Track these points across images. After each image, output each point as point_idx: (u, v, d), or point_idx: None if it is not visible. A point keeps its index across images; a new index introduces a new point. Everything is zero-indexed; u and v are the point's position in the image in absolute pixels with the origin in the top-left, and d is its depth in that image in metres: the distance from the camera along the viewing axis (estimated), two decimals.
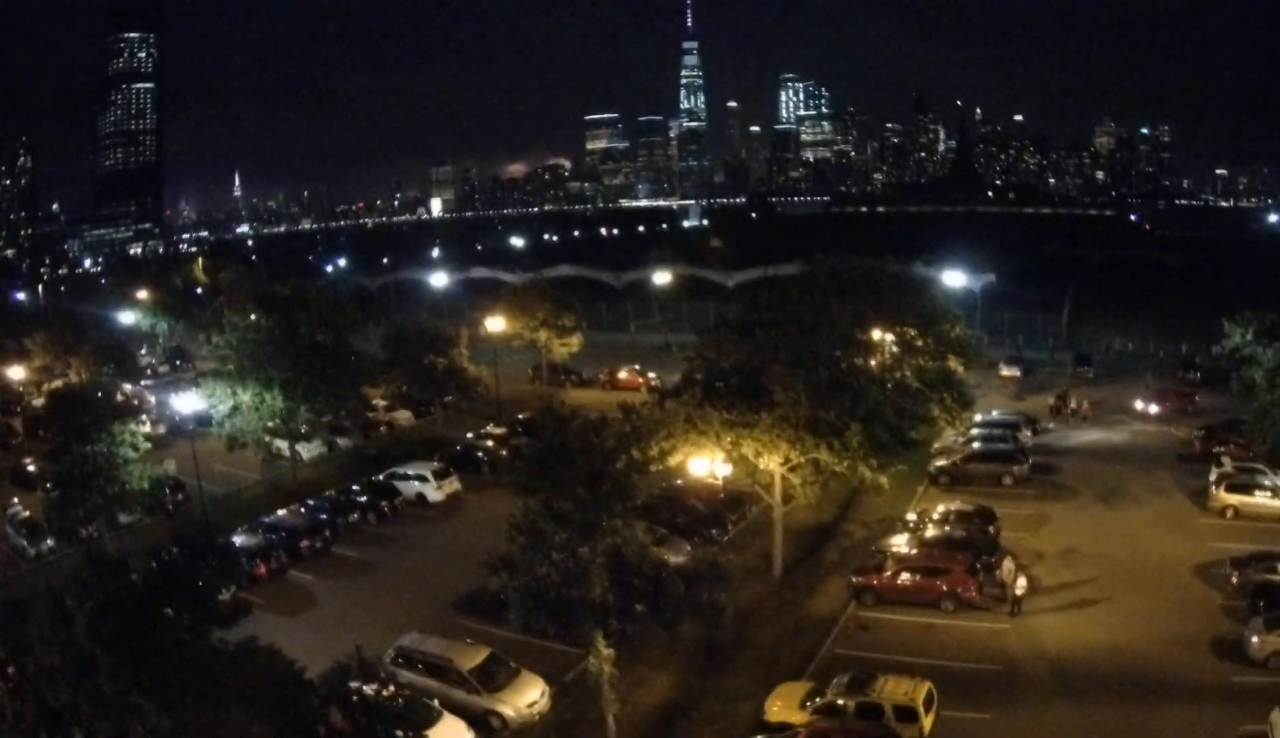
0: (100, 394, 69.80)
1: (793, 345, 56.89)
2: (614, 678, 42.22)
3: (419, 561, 65.23)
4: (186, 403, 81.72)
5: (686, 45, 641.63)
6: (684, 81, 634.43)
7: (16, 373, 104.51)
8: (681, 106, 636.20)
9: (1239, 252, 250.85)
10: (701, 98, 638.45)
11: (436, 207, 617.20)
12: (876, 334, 68.25)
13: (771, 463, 56.21)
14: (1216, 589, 56.30)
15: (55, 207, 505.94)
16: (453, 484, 78.72)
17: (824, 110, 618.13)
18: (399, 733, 38.77)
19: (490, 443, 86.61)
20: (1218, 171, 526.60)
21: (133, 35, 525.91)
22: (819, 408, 54.23)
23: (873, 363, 62.78)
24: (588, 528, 40.13)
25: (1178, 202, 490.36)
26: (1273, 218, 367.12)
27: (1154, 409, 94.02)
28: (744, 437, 54.80)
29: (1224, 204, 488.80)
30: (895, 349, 68.01)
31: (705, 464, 51.80)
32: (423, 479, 77.40)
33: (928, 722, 42.78)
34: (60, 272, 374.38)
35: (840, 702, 43.81)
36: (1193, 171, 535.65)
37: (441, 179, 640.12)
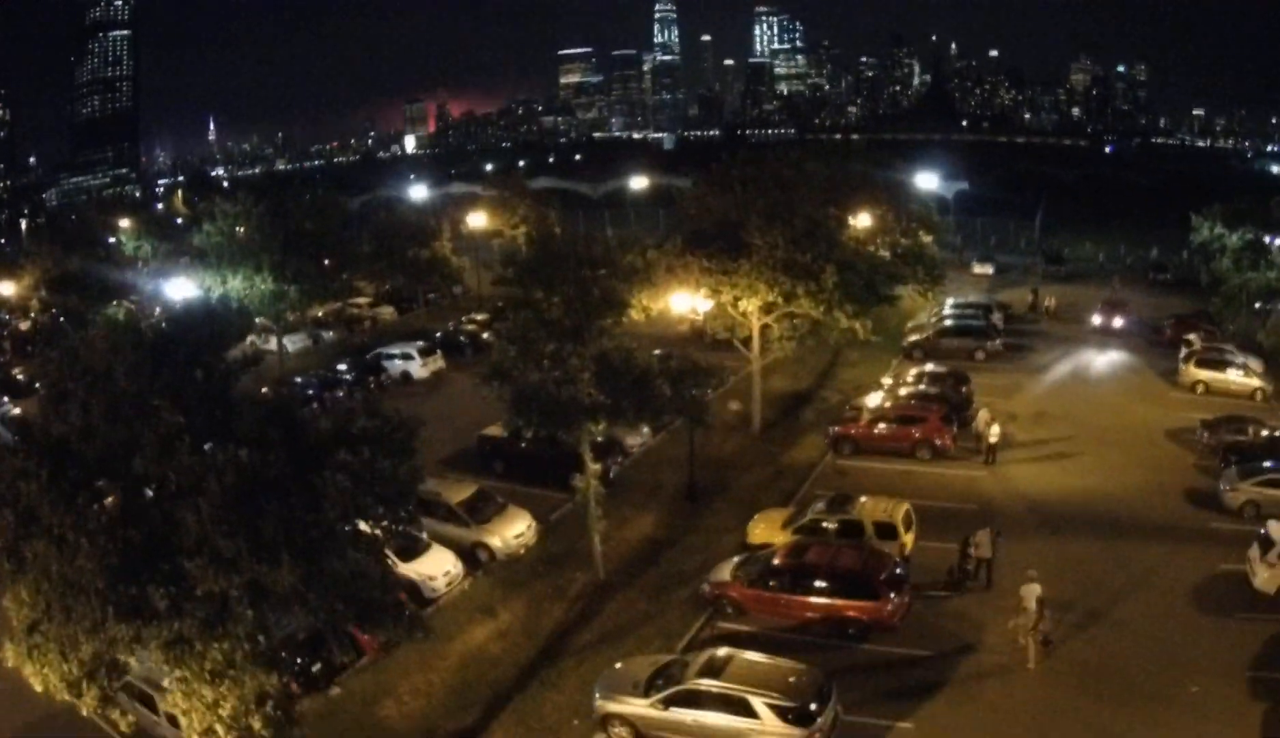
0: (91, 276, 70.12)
1: (771, 198, 57.75)
2: (600, 496, 43.65)
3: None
4: (178, 289, 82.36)
5: None
6: (657, 15, 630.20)
7: (5, 288, 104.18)
8: (655, 41, 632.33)
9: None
10: (675, 32, 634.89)
11: (411, 144, 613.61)
12: (850, 215, 69.02)
13: (750, 306, 57.27)
14: (1188, 450, 57.93)
15: (32, 160, 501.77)
16: (437, 362, 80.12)
17: (798, 44, 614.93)
18: None
19: (472, 328, 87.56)
20: (1195, 112, 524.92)
21: None
22: (795, 251, 55.29)
23: (847, 227, 63.61)
24: (576, 333, 41.22)
25: (1154, 140, 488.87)
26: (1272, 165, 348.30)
27: (1101, 321, 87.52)
28: (724, 284, 55.90)
29: (1201, 144, 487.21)
30: (869, 223, 69.05)
31: (686, 301, 52.46)
32: (407, 357, 78.67)
33: (908, 539, 44.18)
34: (39, 221, 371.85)
35: (821, 521, 45.14)
36: (1170, 111, 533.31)
37: (415, 116, 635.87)
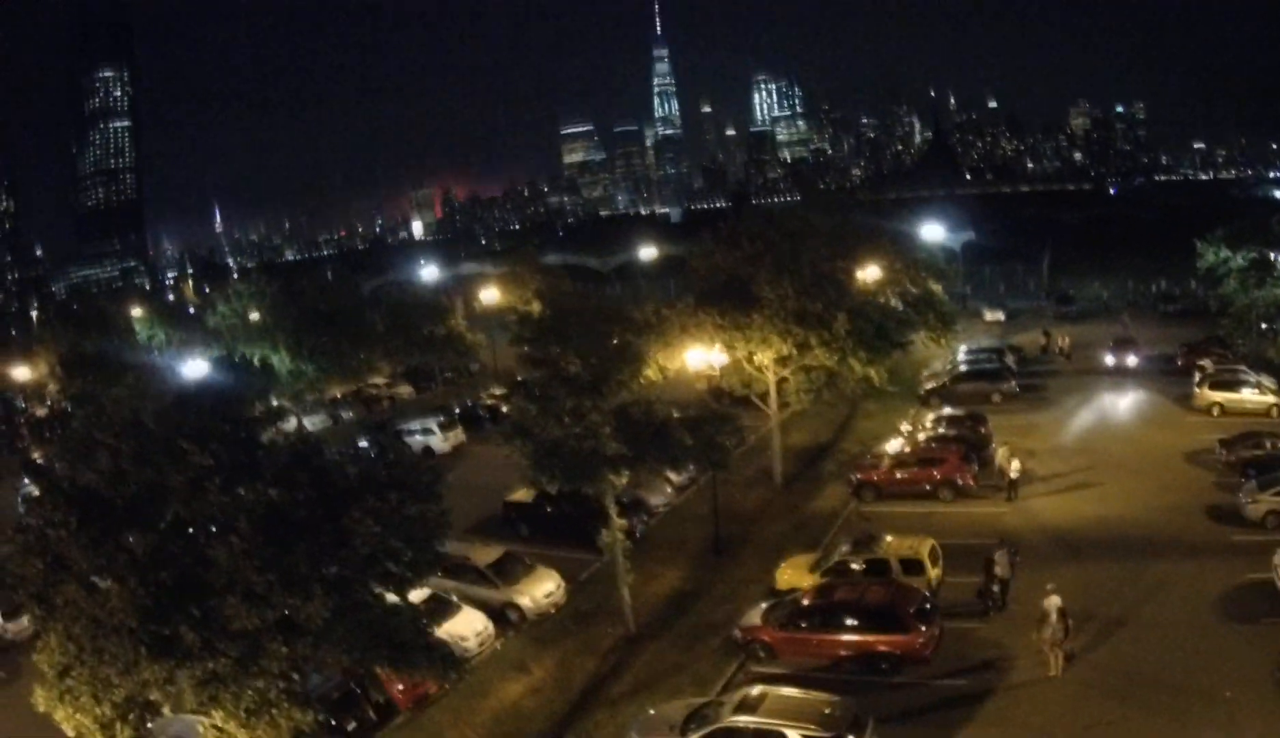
0: (107, 357, 70.99)
1: (778, 252, 58.47)
2: (627, 549, 44.11)
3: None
4: (193, 369, 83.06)
5: (657, 52, 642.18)
6: (657, 89, 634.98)
7: (21, 373, 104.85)
8: (656, 114, 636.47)
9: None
10: (675, 104, 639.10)
11: (418, 229, 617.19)
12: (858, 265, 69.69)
13: (765, 358, 57.88)
14: (1207, 470, 58.03)
15: (39, 252, 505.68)
16: (458, 435, 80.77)
17: (798, 109, 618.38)
18: None
19: (491, 401, 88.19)
20: (1195, 145, 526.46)
21: (107, 74, 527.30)
22: (806, 301, 56.00)
23: (856, 276, 64.22)
24: (595, 388, 41.72)
25: (1157, 178, 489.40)
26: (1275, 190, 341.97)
27: (1114, 361, 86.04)
28: (736, 339, 56.47)
29: (1203, 177, 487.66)
30: (877, 275, 69.72)
31: (701, 356, 52.95)
32: (428, 431, 79.22)
33: (934, 573, 44.53)
34: (50, 313, 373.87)
35: (847, 562, 45.55)
36: (1170, 147, 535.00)
37: (421, 202, 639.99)
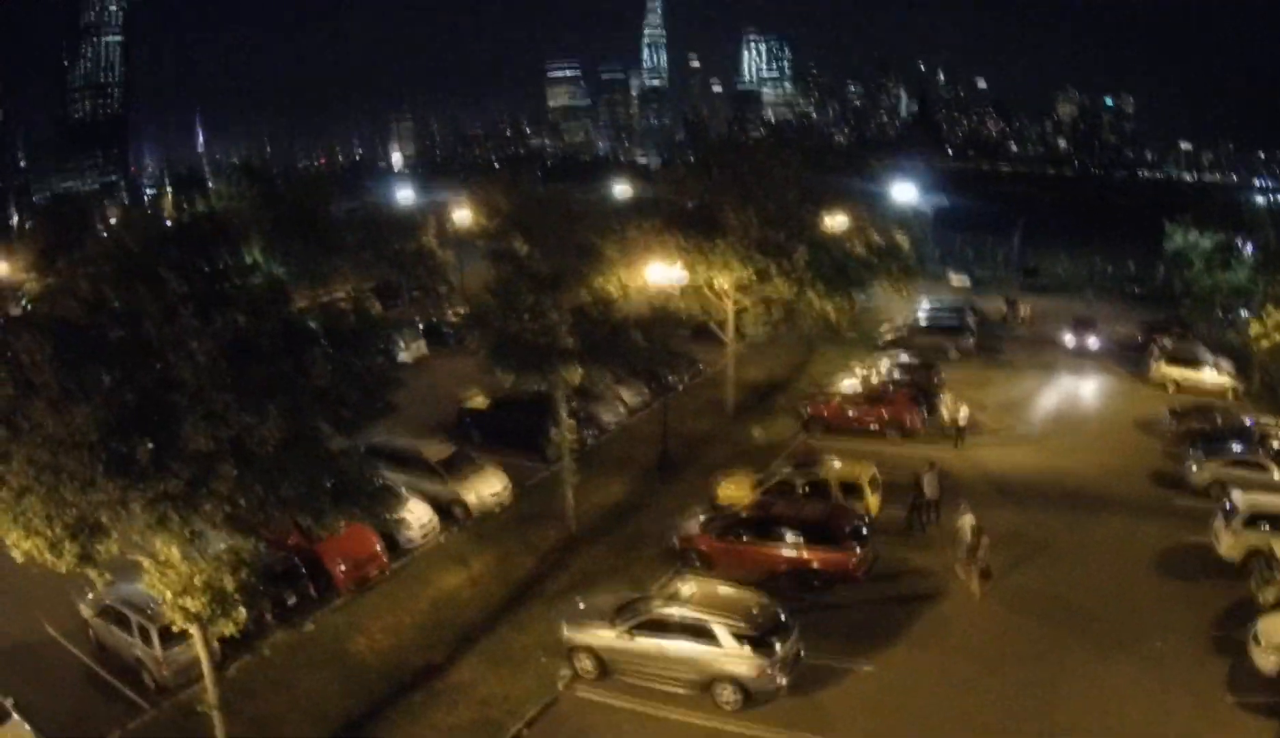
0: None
1: (746, 181, 59.06)
2: (574, 451, 44.94)
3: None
4: None
5: (650, 2, 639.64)
6: (646, 40, 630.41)
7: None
8: (644, 65, 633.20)
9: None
10: (664, 56, 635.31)
11: (397, 159, 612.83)
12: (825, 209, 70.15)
13: (725, 282, 58.44)
14: (1156, 438, 59.22)
15: (23, 163, 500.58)
16: (420, 347, 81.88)
17: (786, 71, 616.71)
18: None
19: (455, 318, 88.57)
20: (1182, 145, 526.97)
21: None
22: (769, 229, 56.73)
23: (821, 216, 64.83)
24: (555, 283, 42.36)
25: (1140, 173, 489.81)
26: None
27: (1075, 342, 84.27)
28: (699, 262, 57.06)
29: (1188, 178, 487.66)
30: (843, 222, 70.30)
31: (662, 272, 53.43)
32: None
33: (873, 500, 45.46)
34: (29, 224, 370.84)
35: (788, 481, 46.38)
36: (1156, 144, 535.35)
37: (403, 133, 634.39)
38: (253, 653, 35.33)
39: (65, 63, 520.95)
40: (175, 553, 24.85)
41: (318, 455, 25.90)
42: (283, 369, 24.96)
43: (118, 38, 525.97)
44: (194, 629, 27.05)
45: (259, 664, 35.22)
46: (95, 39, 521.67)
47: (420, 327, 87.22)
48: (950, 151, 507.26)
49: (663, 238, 56.48)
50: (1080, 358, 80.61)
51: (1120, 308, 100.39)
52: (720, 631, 32.85)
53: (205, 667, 28.85)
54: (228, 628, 26.04)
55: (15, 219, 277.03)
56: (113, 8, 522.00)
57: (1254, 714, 31.50)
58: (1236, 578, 39.91)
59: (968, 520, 40.43)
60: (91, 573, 25.36)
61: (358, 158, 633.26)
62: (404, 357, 77.88)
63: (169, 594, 25.60)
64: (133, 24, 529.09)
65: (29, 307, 38.54)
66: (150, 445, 23.49)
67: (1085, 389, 71.80)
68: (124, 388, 23.72)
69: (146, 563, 25.95)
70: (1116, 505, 48.85)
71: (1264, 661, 32.87)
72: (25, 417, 23.73)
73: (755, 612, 33.78)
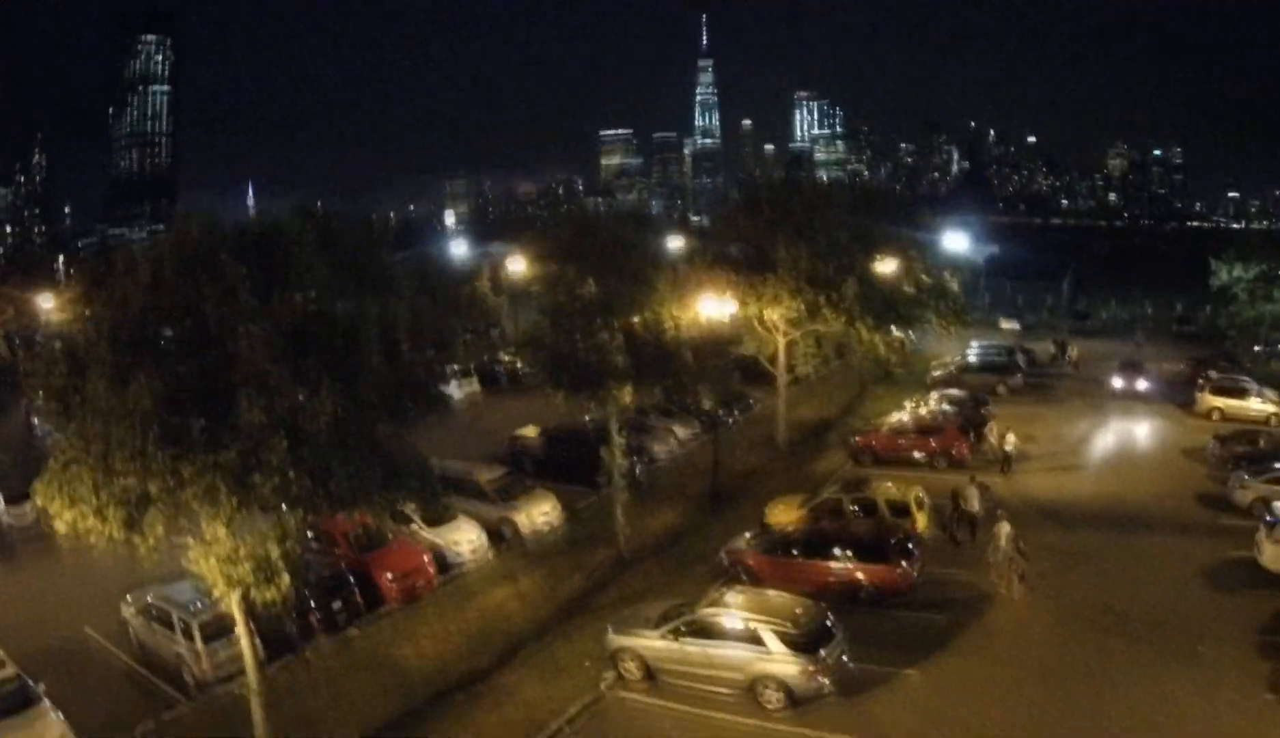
0: None
1: (796, 218, 59.93)
2: (624, 470, 45.69)
3: (443, 436, 68.05)
4: None
5: (702, 63, 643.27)
6: (699, 99, 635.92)
7: (45, 301, 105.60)
8: (696, 124, 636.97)
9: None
10: (716, 116, 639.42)
11: (450, 219, 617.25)
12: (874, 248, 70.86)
13: (775, 316, 59.08)
14: (1201, 464, 59.32)
15: (67, 210, 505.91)
16: (472, 386, 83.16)
17: (838, 129, 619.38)
18: None
19: (508, 360, 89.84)
20: (1230, 194, 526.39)
21: (149, 38, 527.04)
22: (818, 262, 57.50)
23: (870, 254, 65.62)
24: (608, 306, 43.38)
25: (1190, 224, 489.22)
26: None
27: (1122, 385, 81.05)
28: (749, 296, 57.84)
29: (1236, 226, 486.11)
30: (892, 266, 70.96)
31: (715, 305, 54.04)
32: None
33: (920, 518, 45.79)
34: (72, 271, 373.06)
35: (837, 500, 46.94)
36: (1205, 194, 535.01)
37: (456, 193, 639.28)
38: (296, 656, 36.54)
39: (111, 112, 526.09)
40: (221, 531, 25.42)
41: (368, 438, 26.58)
42: (337, 354, 25.71)
43: (164, 88, 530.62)
44: (235, 600, 27.46)
45: (301, 666, 36.35)
46: (141, 89, 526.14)
47: (473, 368, 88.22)
48: (1001, 206, 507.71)
49: (714, 272, 57.24)
50: (1128, 399, 79.78)
51: (1168, 348, 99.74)
52: (765, 633, 33.18)
53: (245, 645, 29.49)
54: (270, 594, 26.27)
55: (61, 263, 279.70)
56: (159, 58, 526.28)
57: None
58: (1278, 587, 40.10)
59: (1004, 528, 41.19)
60: (137, 541, 25.52)
61: (411, 214, 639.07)
62: (457, 395, 79.13)
63: (213, 560, 26.04)
64: (179, 76, 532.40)
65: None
66: (203, 420, 24.40)
67: (1132, 422, 71.51)
68: (180, 364, 24.57)
69: (192, 540, 26.59)
70: (1162, 525, 49.12)
71: None
72: (78, 391, 24.64)
73: (800, 615, 34.11)
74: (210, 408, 24.68)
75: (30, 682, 31.55)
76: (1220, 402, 70.89)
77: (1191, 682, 33.75)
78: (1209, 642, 36.40)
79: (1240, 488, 50.83)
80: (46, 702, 30.98)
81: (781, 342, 61.33)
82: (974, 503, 46.43)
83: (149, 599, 37.36)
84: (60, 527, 25.83)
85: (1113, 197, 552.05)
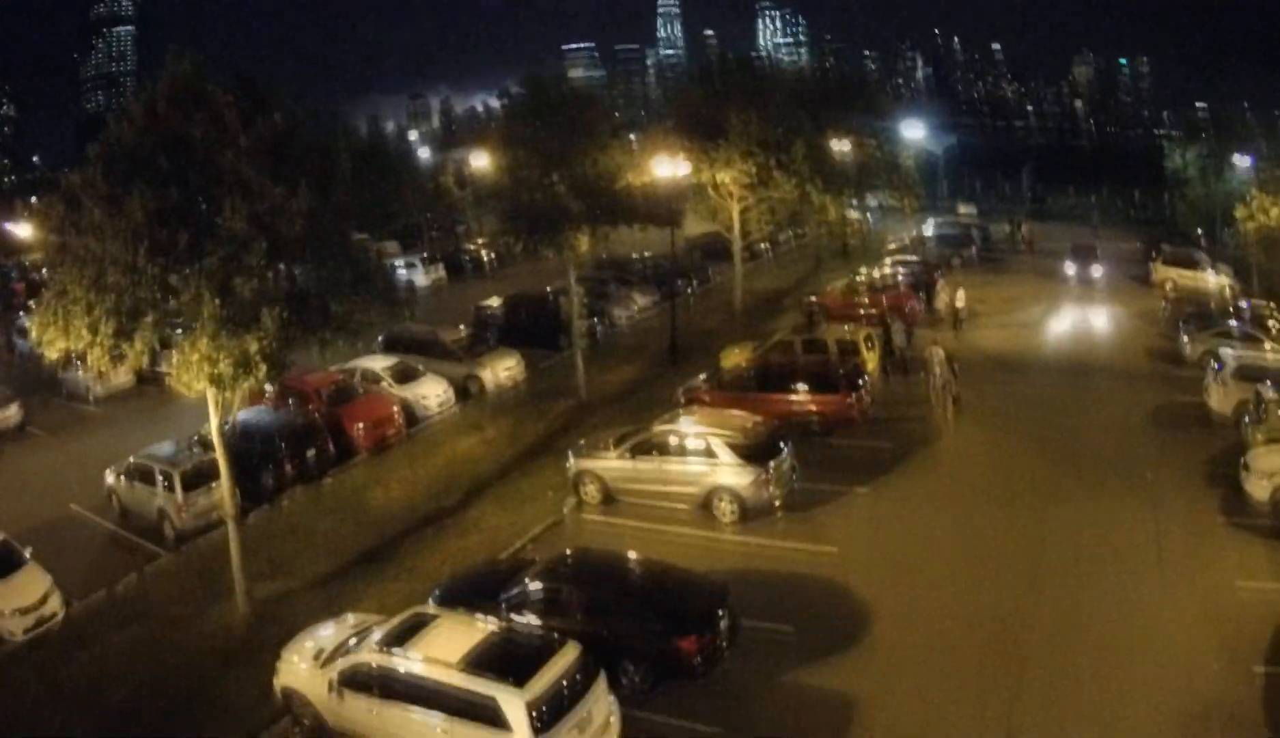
0: None
1: (746, 87, 61.30)
2: (585, 328, 47.37)
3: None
4: None
5: None
6: (660, 10, 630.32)
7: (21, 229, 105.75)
8: (659, 36, 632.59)
9: None
10: (678, 26, 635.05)
11: (414, 138, 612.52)
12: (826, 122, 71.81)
13: (727, 178, 60.37)
14: (1152, 325, 61.24)
15: (36, 158, 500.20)
16: (438, 273, 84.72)
17: (801, 39, 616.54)
18: None
19: (473, 249, 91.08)
20: (1198, 105, 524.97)
21: None
22: (768, 127, 58.97)
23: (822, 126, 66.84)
24: (563, 158, 44.88)
25: (1156, 131, 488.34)
26: None
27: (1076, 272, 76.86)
28: (703, 162, 59.17)
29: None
30: (845, 146, 72.10)
31: (668, 167, 55.12)
32: (411, 266, 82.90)
33: (869, 358, 47.61)
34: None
35: (788, 340, 48.66)
36: (1173, 105, 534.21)
37: (419, 111, 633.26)
38: (272, 505, 38.23)
39: (76, 56, 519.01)
40: (205, 342, 26.73)
41: (339, 243, 28.21)
42: (312, 162, 27.20)
43: (129, 28, 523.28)
44: (212, 394, 28.58)
45: (277, 514, 38.15)
46: (106, 30, 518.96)
47: (438, 256, 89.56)
48: (965, 109, 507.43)
49: (669, 139, 58.44)
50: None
51: (1123, 231, 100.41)
52: (717, 445, 34.82)
53: (221, 461, 30.72)
54: (250, 382, 27.73)
55: (34, 202, 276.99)
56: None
57: (1245, 533, 32.57)
58: (1226, 429, 41.23)
59: (937, 353, 44.16)
60: (125, 348, 26.69)
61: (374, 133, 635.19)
62: (423, 281, 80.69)
63: (195, 357, 27.06)
64: (145, 13, 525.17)
65: None
66: (190, 232, 25.79)
67: (1085, 290, 72.58)
68: (170, 184, 25.96)
69: (176, 354, 27.92)
70: (1112, 374, 50.82)
71: (1255, 487, 34.12)
72: (74, 225, 26.22)
73: (750, 429, 35.77)
74: (196, 222, 26.20)
75: (16, 544, 32.95)
76: (1174, 273, 71.95)
77: (1141, 503, 35.08)
78: (1159, 470, 37.78)
79: (1191, 342, 52.43)
80: (33, 562, 32.44)
81: (736, 208, 62.45)
82: (899, 337, 50.38)
83: (131, 461, 38.91)
84: (52, 353, 27.58)
85: (1079, 103, 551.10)
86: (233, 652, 28.29)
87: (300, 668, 25.01)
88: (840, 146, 68.53)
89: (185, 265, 25.71)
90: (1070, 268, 75.54)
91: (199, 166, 26.59)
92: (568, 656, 22.51)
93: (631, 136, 58.88)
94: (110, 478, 39.76)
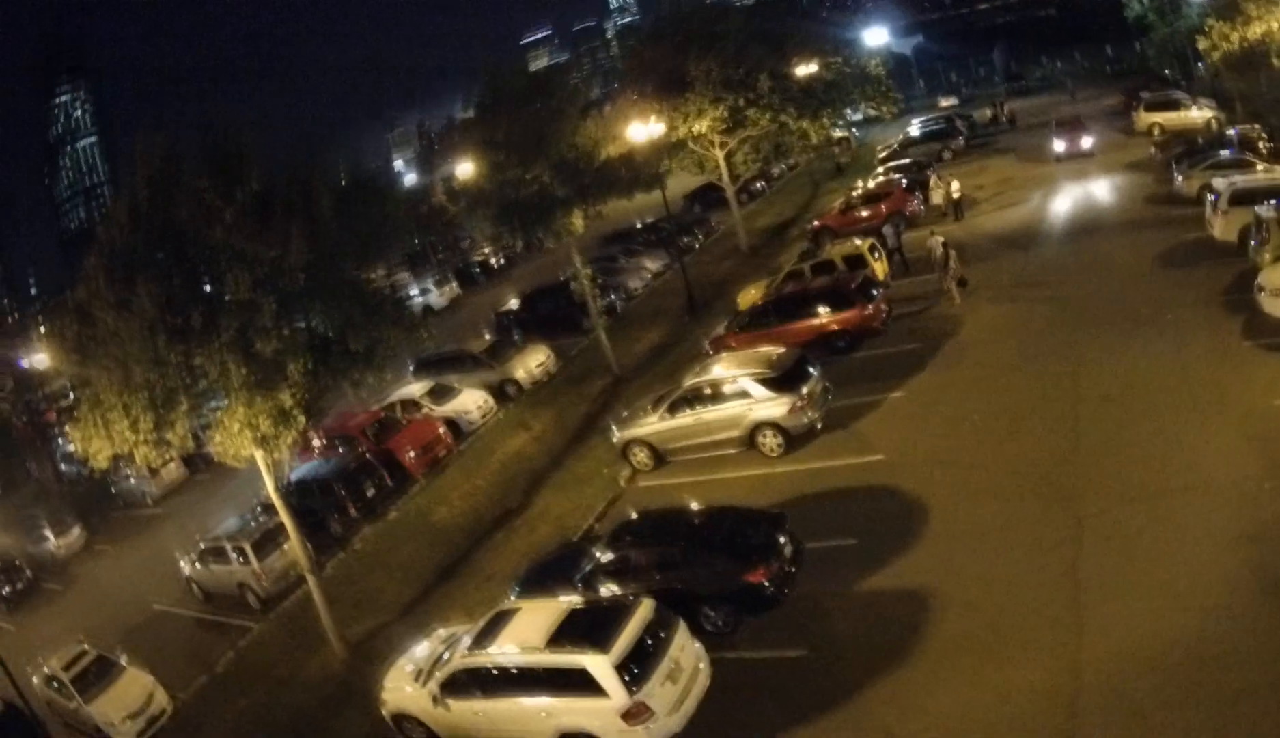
0: None
1: (699, 33, 62.09)
2: (603, 306, 48.46)
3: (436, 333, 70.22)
4: None
5: None
6: None
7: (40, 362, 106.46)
8: (612, 5, 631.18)
9: None
10: None
11: (399, 165, 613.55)
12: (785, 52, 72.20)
13: (703, 127, 61.24)
14: (1146, 172, 61.12)
15: (34, 290, 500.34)
16: (453, 290, 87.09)
17: None
18: None
19: (481, 258, 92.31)
20: None
21: (64, 98, 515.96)
22: (729, 69, 60.26)
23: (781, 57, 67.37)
24: (538, 147, 45.87)
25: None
26: None
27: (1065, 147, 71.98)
28: (676, 118, 60.07)
29: None
30: (810, 68, 72.43)
31: (642, 130, 55.93)
32: (425, 291, 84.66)
33: (878, 266, 48.57)
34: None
35: (797, 268, 49.89)
36: None
37: (398, 141, 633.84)
38: (345, 551, 39.61)
39: (47, 178, 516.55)
40: (240, 409, 28.03)
41: (341, 281, 29.47)
42: (299, 215, 28.41)
43: (91, 139, 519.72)
44: (261, 458, 29.96)
45: (351, 557, 39.52)
46: (69, 147, 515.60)
47: (449, 272, 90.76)
48: (928, 5, 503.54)
49: (638, 104, 59.25)
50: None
51: (1102, 89, 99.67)
52: (748, 383, 35.84)
53: (286, 519, 32.17)
54: (291, 435, 29.04)
55: (42, 326, 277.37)
56: (78, 113, 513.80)
57: (1272, 352, 32.93)
58: (1235, 256, 41.36)
59: (936, 241, 45.77)
60: (169, 437, 28.24)
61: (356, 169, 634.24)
62: (439, 301, 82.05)
63: (235, 425, 28.39)
64: (106, 118, 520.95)
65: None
66: (202, 311, 27.23)
67: (1075, 153, 71.60)
68: (171, 273, 27.43)
69: (215, 428, 29.26)
70: (1115, 228, 51.28)
71: (1272, 305, 34.58)
72: (90, 337, 27.61)
73: (776, 360, 36.75)
74: (204, 300, 27.77)
75: (109, 655, 34.62)
76: (1158, 117, 71.75)
77: (1164, 343, 35.78)
78: (1176, 309, 38.39)
79: (1185, 179, 52.62)
80: (130, 667, 34.04)
81: (720, 154, 63.33)
82: (891, 240, 51.94)
83: (201, 546, 40.53)
84: (102, 462, 28.79)
85: None
86: (339, 696, 29.72)
87: (404, 691, 26.22)
88: (806, 70, 68.82)
89: (205, 343, 27.07)
90: (1059, 145, 71.86)
91: (193, 248, 27.94)
92: (643, 612, 23.60)
93: (606, 109, 59.39)
94: (186, 567, 41.31)
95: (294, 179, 29.61)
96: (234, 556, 38.45)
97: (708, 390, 36.84)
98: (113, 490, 55.62)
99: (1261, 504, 24.79)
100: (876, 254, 49.10)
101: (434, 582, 35.25)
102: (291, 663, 32.96)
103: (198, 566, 40.42)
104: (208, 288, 28.15)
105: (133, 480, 53.80)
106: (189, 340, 26.98)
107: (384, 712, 26.56)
